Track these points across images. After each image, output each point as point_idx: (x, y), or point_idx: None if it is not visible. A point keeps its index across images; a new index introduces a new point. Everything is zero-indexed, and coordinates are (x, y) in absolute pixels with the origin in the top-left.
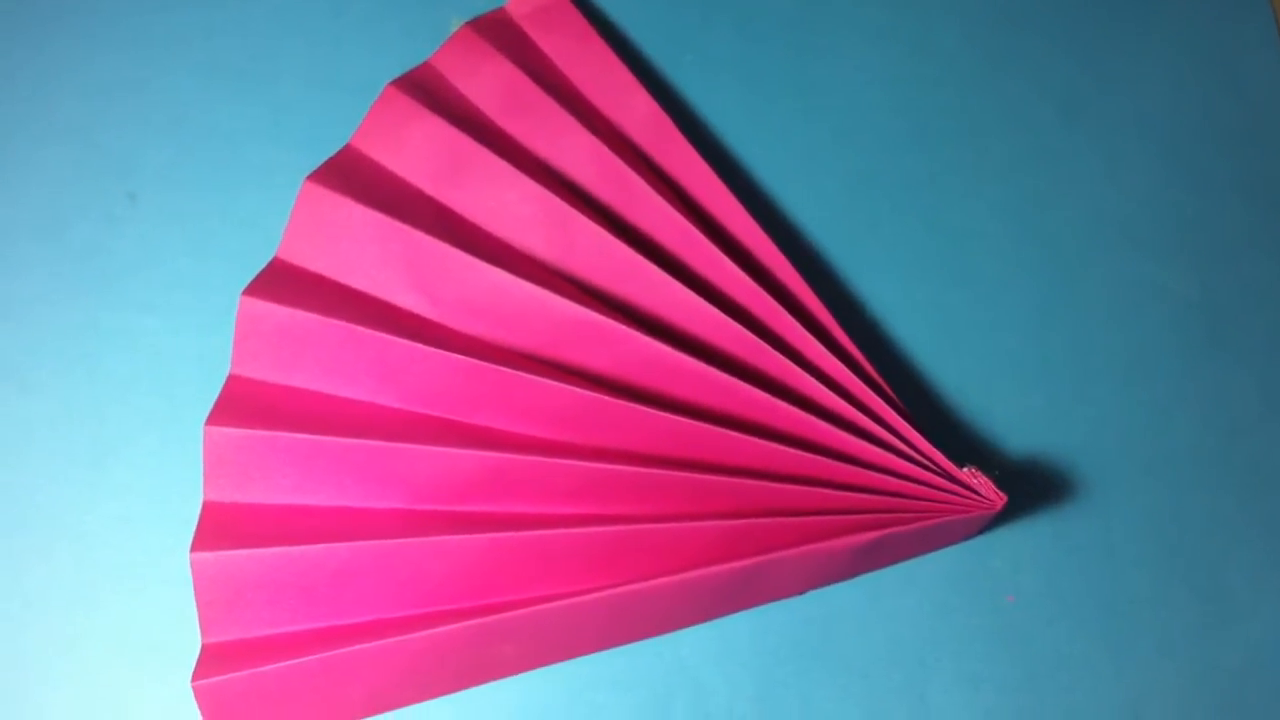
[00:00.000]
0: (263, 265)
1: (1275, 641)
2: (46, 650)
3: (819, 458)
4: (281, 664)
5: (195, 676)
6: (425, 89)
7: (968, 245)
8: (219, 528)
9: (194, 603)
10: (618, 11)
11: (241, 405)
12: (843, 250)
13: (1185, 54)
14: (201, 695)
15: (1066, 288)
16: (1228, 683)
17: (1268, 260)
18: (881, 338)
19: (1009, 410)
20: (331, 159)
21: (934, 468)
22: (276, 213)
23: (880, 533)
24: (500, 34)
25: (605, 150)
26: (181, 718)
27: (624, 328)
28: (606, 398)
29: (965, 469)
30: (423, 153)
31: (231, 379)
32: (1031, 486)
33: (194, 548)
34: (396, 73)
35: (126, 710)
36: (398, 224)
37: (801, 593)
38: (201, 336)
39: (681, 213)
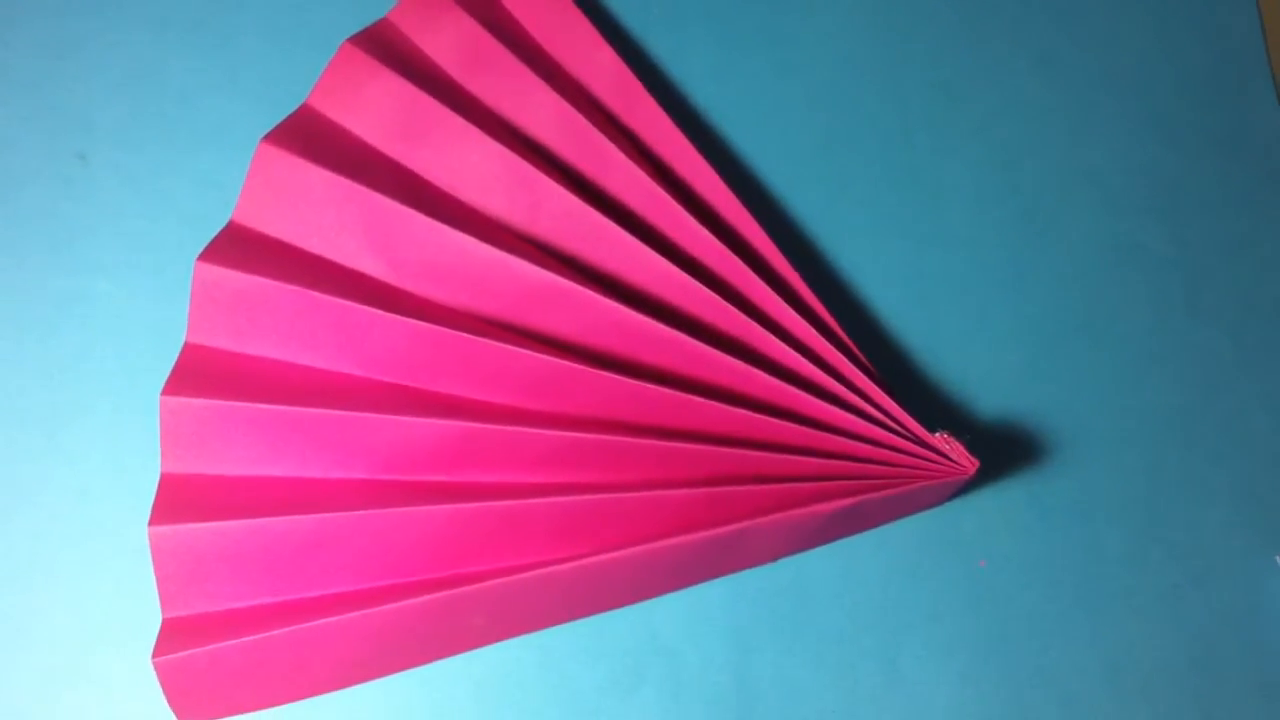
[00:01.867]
0: (220, 227)
1: (1250, 600)
2: (4, 622)
3: (789, 424)
4: (245, 639)
5: (156, 652)
6: (384, 45)
7: (941, 203)
8: (177, 500)
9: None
10: None
11: (198, 374)
12: (813, 210)
13: (1161, 8)
14: (163, 671)
15: (1041, 246)
16: (1203, 642)
17: (1244, 218)
18: (853, 298)
19: (982, 371)
20: (288, 119)
21: (906, 433)
22: (233, 172)
23: (852, 500)
24: None
25: (569, 109)
26: (143, 692)
27: (589, 292)
28: (572, 364)
29: (937, 434)
30: (381, 112)
31: (187, 347)
32: (1004, 449)
33: (152, 521)
34: (355, 27)
35: (88, 684)
36: (356, 186)
37: (773, 560)
38: (158, 301)
39: (648, 173)
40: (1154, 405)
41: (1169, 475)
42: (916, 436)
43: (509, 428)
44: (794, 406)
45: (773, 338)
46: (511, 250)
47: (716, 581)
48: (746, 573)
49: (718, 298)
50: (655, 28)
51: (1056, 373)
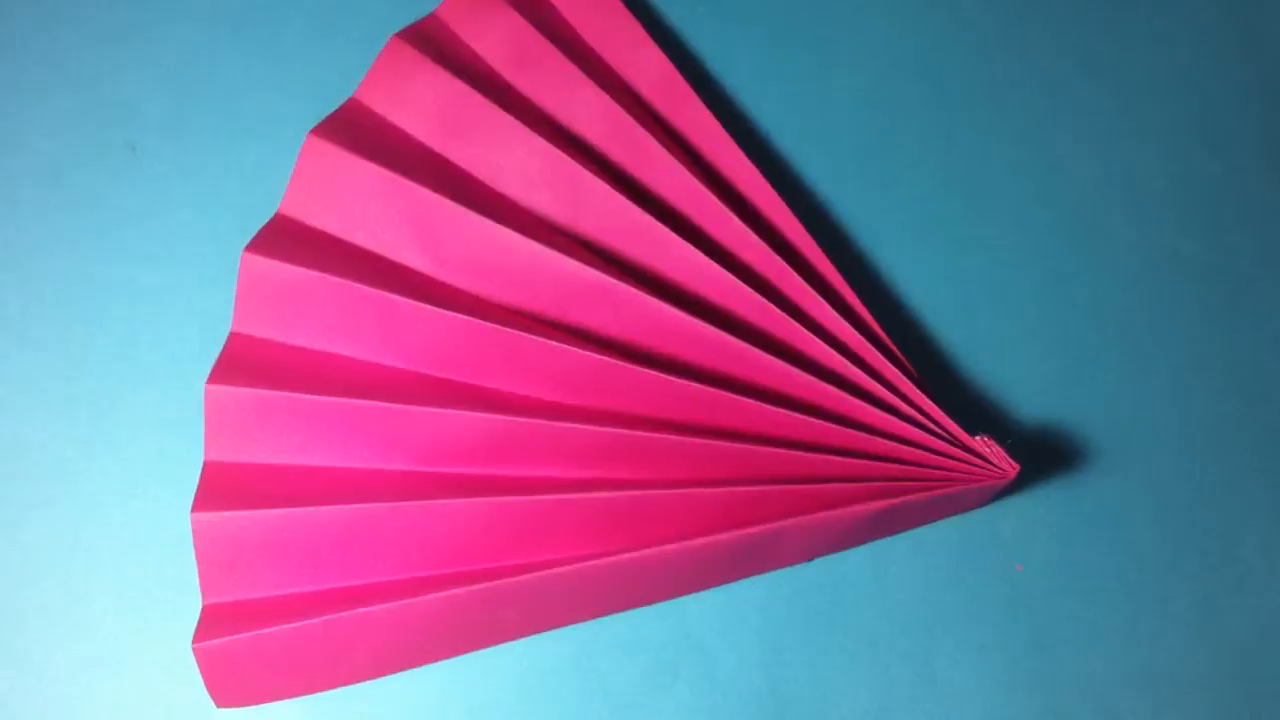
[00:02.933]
0: (266, 219)
1: None
2: (46, 609)
3: (829, 424)
4: (283, 626)
5: (196, 639)
6: (431, 41)
7: (984, 207)
8: (220, 488)
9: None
10: None
11: (243, 364)
12: (857, 211)
13: (1210, 11)
14: (202, 658)
15: (1084, 251)
16: (1241, 653)
17: None
18: (894, 300)
19: (1023, 376)
20: (335, 113)
21: (946, 436)
22: (280, 165)
23: (891, 501)
24: None
25: (615, 107)
26: (183, 678)
27: (632, 289)
28: (614, 360)
29: (978, 437)
30: (428, 107)
31: (233, 337)
32: (1044, 454)
33: (195, 508)
34: (403, 23)
35: (128, 670)
36: (402, 180)
37: (809, 559)
38: (203, 291)
39: (692, 172)
40: (1194, 414)
41: (1208, 484)
42: (957, 439)
43: (549, 422)
44: (834, 407)
45: (814, 337)
46: (555, 247)
47: (751, 580)
48: (781, 571)
49: (760, 297)
50: (701, 27)
51: (1097, 379)
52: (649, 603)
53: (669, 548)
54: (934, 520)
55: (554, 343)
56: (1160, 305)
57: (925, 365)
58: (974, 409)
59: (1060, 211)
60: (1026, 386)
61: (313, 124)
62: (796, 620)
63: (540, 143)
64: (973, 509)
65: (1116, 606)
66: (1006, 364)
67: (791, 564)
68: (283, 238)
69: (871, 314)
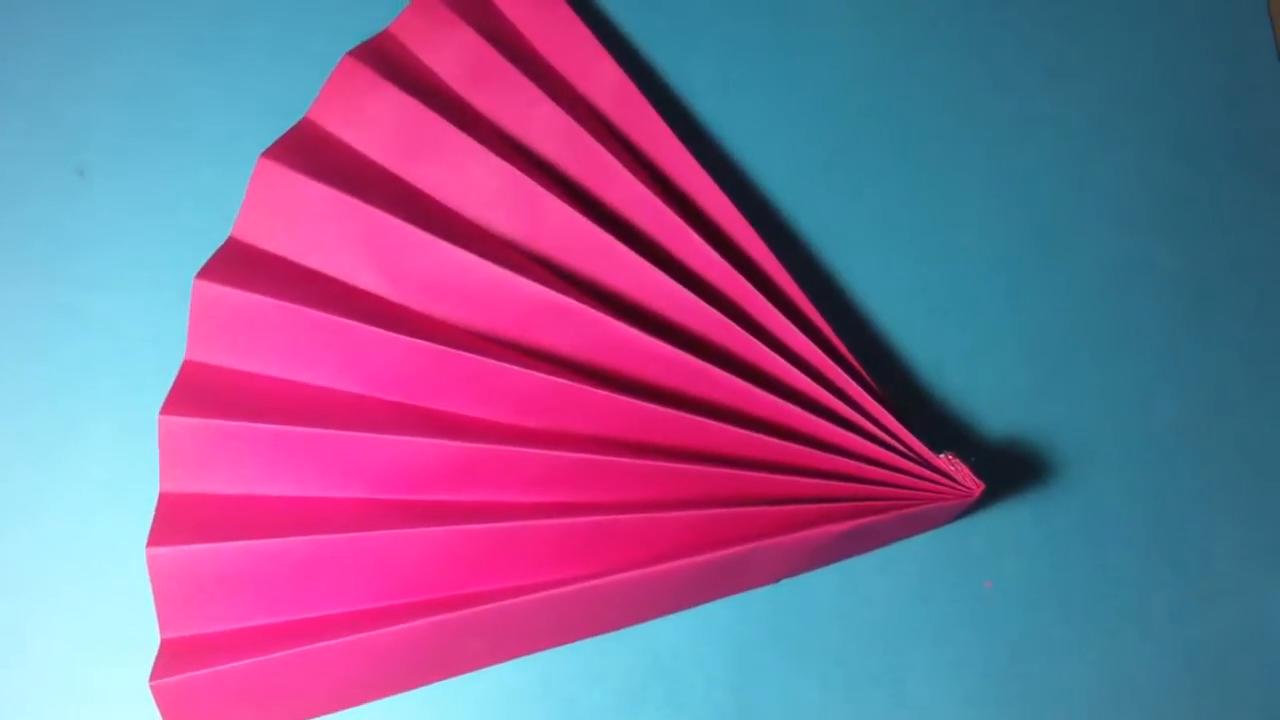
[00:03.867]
0: (221, 243)
1: (1260, 622)
2: (2, 642)
3: (793, 444)
4: (243, 661)
5: (154, 675)
6: (385, 59)
7: (948, 218)
8: (176, 520)
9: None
10: None
11: (197, 393)
12: (820, 224)
13: (1174, 20)
14: (160, 695)
15: (1052, 261)
16: (1211, 665)
17: (1256, 232)
18: (858, 315)
19: (989, 390)
20: (288, 133)
21: (910, 454)
22: (234, 187)
23: (855, 522)
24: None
25: (572, 123)
26: (141, 711)
27: (591, 310)
28: (573, 383)
29: (942, 455)
30: (382, 126)
31: (187, 364)
32: (1011, 468)
33: (150, 542)
34: (356, 40)
35: (85, 703)
36: (356, 202)
37: (776, 581)
38: (158, 317)
39: (651, 189)
40: (1163, 424)
41: (1178, 495)
42: (921, 458)
43: (510, 448)
44: (798, 426)
45: (776, 356)
46: (513, 267)
47: (719, 602)
48: (749, 593)
49: (721, 315)
50: (660, 37)
51: (1064, 391)
52: (616, 628)
53: (634, 573)
54: (901, 538)
55: (513, 365)
56: (1129, 314)
57: (891, 378)
58: (939, 424)
59: (1026, 222)
60: (992, 400)
61: (268, 145)
62: (765, 642)
63: (496, 161)
64: (939, 526)
65: (1088, 620)
66: (972, 378)
67: (758, 586)
68: (235, 263)
69: (836, 328)
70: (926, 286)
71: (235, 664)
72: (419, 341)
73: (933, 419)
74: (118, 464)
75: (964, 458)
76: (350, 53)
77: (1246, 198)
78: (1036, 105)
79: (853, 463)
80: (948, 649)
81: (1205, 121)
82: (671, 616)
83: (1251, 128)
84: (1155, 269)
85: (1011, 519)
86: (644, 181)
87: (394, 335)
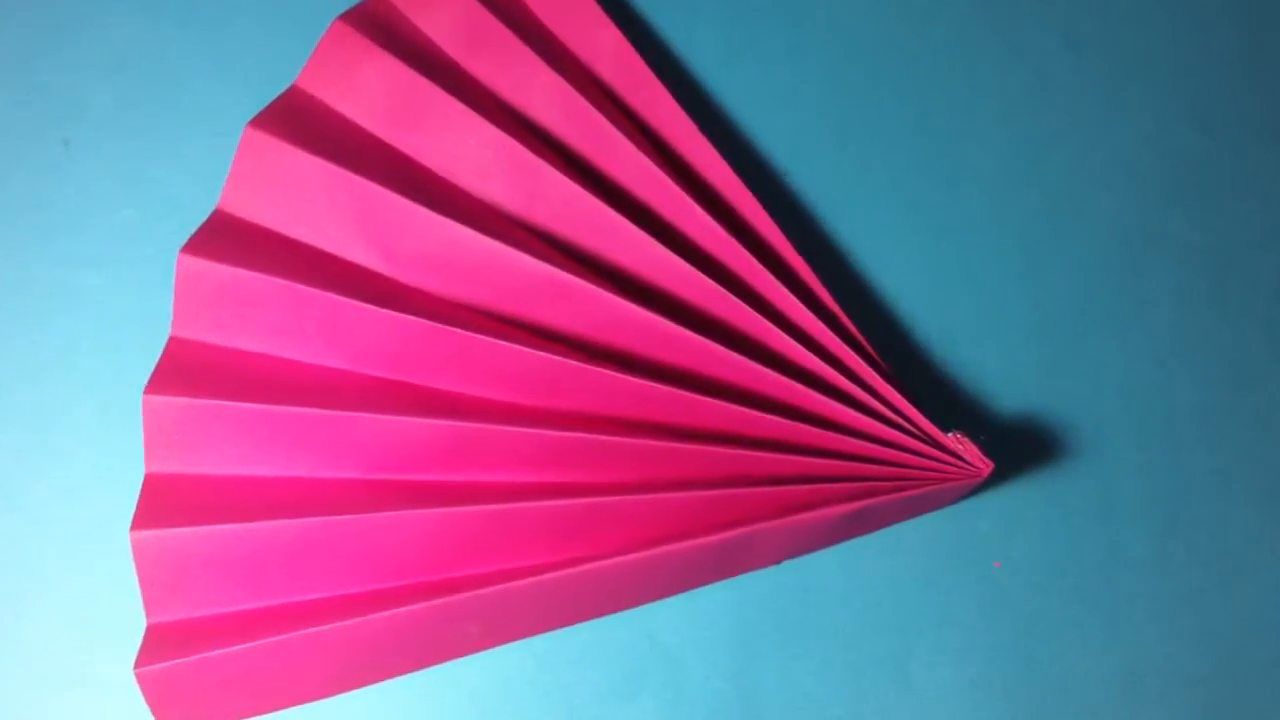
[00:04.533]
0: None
1: (1277, 605)
2: None
3: (797, 423)
4: (231, 648)
5: (138, 663)
6: (377, 23)
7: (960, 192)
8: (161, 502)
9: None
10: None
11: (183, 371)
12: (828, 197)
13: None
14: (146, 682)
15: (1066, 234)
16: (1226, 648)
17: (1277, 203)
18: (866, 290)
19: (1001, 366)
20: (275, 101)
21: (918, 433)
22: (224, 159)
23: (862, 503)
24: None
25: (571, 91)
26: (133, 696)
27: (589, 285)
28: (571, 360)
29: (951, 434)
30: (375, 94)
31: (172, 341)
32: (1022, 446)
33: (134, 525)
34: (350, 3)
35: (75, 689)
36: (348, 173)
37: (779, 562)
38: (146, 294)
39: (653, 160)
40: (1179, 402)
41: (1194, 475)
42: (930, 437)
43: (506, 427)
44: (803, 404)
45: (781, 333)
46: (510, 240)
47: (719, 584)
48: (751, 574)
49: (724, 290)
50: (664, 5)
51: (1078, 368)
52: (614, 610)
53: (632, 557)
54: (907, 518)
55: (508, 343)
56: (1145, 289)
57: (900, 355)
58: (950, 401)
59: (1040, 194)
60: (1005, 377)
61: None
62: (766, 625)
63: (493, 130)
64: (947, 505)
65: (1098, 603)
66: (984, 354)
67: (761, 567)
68: (222, 236)
69: (843, 303)
70: (937, 261)
71: (222, 650)
72: (410, 317)
73: (942, 396)
74: (107, 444)
75: (973, 436)
76: (341, 16)
77: (1268, 168)
78: (1052, 74)
79: (859, 442)
80: (954, 632)
81: (1225, 90)
82: (670, 600)
83: (1273, 94)
84: (1172, 242)
85: (1022, 498)
86: (646, 153)
87: (385, 311)
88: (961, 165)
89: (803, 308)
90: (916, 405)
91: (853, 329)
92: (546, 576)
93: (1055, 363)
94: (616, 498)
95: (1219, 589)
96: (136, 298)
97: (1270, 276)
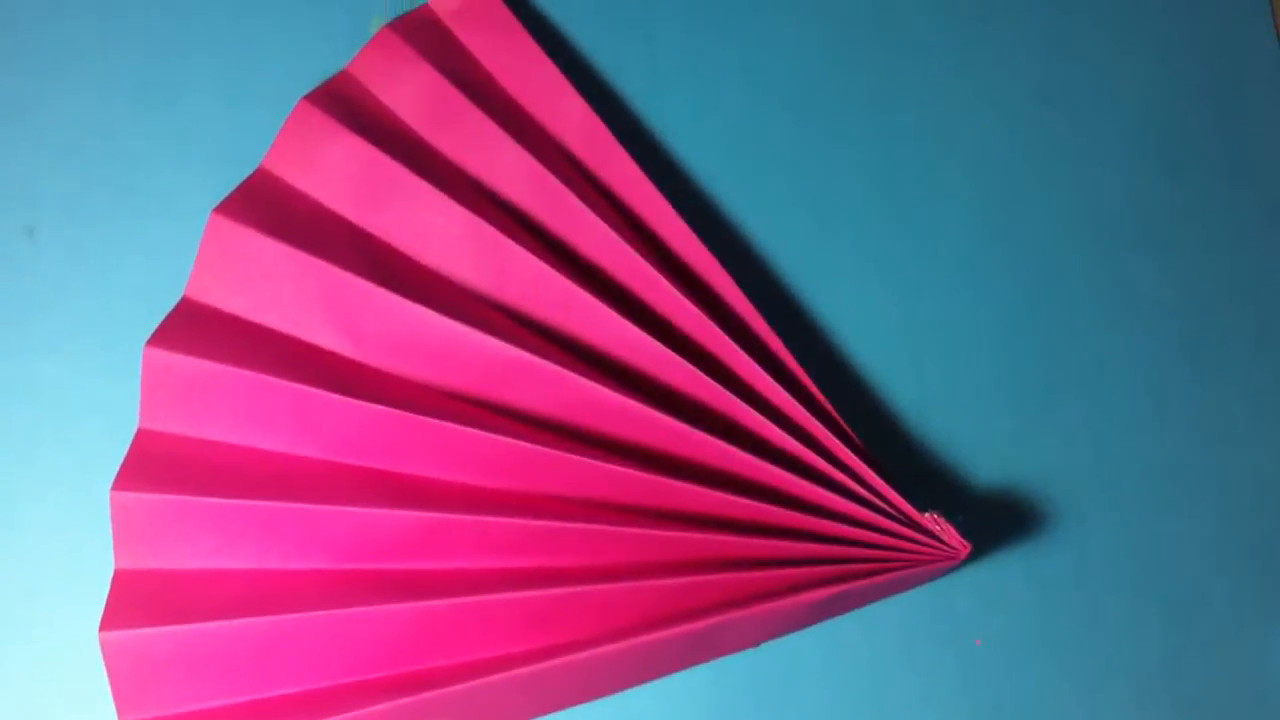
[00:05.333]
0: (174, 303)
1: (1257, 672)
2: None
3: (772, 506)
4: None
5: None
6: (343, 101)
7: (930, 249)
8: (131, 600)
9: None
10: (552, 5)
11: (151, 465)
12: (796, 258)
13: (1169, 32)
14: None
15: (1037, 293)
16: (1213, 712)
17: (1253, 258)
18: (836, 356)
19: (974, 433)
20: (241, 185)
21: (895, 514)
22: (188, 243)
23: (840, 587)
24: (424, 35)
25: (537, 165)
26: None
27: (558, 368)
28: (540, 447)
29: (928, 514)
30: (340, 174)
31: (140, 434)
32: (999, 519)
33: (104, 626)
34: (314, 81)
35: None
36: (314, 259)
37: (756, 645)
38: (109, 383)
39: (621, 233)
40: (1156, 466)
41: (1172, 541)
42: (907, 517)
43: (476, 516)
44: (777, 485)
45: (753, 411)
46: (479, 322)
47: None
48: (729, 656)
49: (695, 369)
50: (631, 70)
51: (1051, 432)
52: (589, 699)
53: (609, 647)
54: (885, 598)
55: (477, 430)
56: (1119, 349)
57: (871, 424)
58: (923, 473)
59: (1011, 251)
60: (979, 443)
61: (221, 197)
62: (744, 706)
63: (459, 210)
64: (923, 584)
65: (1079, 676)
66: (957, 419)
67: (738, 650)
68: (189, 325)
69: (813, 373)
70: (907, 324)
71: None
72: (378, 406)
73: (915, 468)
74: (72, 539)
75: (949, 516)
76: (306, 97)
77: (1243, 221)
78: (1023, 125)
79: (835, 524)
80: (934, 710)
81: (1201, 141)
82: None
83: (1249, 147)
84: (1146, 300)
85: (1001, 573)
86: (614, 226)
87: (353, 400)
88: (930, 224)
89: (775, 384)
90: (891, 480)
91: (825, 403)
92: (514, 672)
93: (1029, 428)
94: (589, 586)
95: (1201, 651)
96: (99, 388)
97: (1245, 330)
